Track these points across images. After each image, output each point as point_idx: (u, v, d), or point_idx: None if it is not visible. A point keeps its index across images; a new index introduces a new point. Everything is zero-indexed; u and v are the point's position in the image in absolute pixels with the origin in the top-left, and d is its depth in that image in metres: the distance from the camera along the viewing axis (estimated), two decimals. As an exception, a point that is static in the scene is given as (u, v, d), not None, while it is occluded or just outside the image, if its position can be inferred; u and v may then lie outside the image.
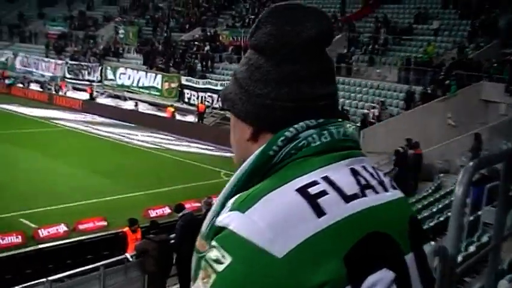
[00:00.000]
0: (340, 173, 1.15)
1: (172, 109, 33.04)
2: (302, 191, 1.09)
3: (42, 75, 44.52)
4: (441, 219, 10.67)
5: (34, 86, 43.28)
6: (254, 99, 1.22)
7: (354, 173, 1.17)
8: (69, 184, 19.64)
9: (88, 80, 40.76)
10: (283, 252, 1.03)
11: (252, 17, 40.65)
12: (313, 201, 1.08)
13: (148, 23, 47.90)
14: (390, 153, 19.99)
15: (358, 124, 25.26)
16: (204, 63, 37.58)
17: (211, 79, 34.84)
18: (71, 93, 40.96)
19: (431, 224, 10.37)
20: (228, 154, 26.33)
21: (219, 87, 33.05)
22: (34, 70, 45.76)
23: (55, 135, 29.14)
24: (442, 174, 17.84)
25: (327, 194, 1.10)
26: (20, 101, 38.90)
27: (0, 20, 60.40)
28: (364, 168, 1.20)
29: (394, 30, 31.90)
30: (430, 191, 15.39)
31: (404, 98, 25.86)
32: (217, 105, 32.92)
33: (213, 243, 1.08)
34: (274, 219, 1.05)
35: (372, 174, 1.20)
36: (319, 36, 1.21)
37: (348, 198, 1.11)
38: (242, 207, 1.08)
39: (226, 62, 37.88)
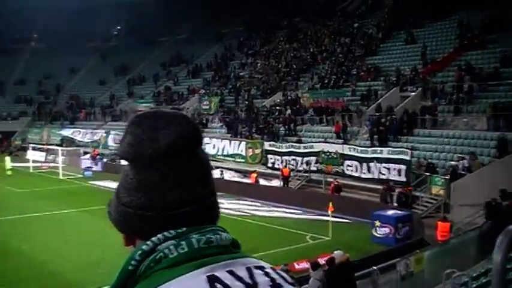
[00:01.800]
0: (192, 282, 1.13)
1: (255, 174, 33.20)
2: None
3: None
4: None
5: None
6: (121, 208, 1.26)
7: (212, 280, 1.14)
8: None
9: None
10: None
11: (333, 77, 40.80)
12: None
13: (231, 92, 49.13)
14: (483, 205, 18.90)
15: (448, 177, 24.25)
16: (286, 127, 37.76)
17: (294, 142, 34.83)
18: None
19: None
20: (313, 217, 25.94)
21: (302, 150, 32.98)
22: (125, 146, 47.68)
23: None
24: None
25: None
26: (112, 177, 40.42)
27: (94, 102, 64.06)
28: (231, 272, 1.17)
29: (479, 77, 30.81)
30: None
31: (496, 145, 24.62)
32: (301, 168, 32.76)
33: None
34: None
35: (239, 278, 1.17)
36: (178, 142, 1.22)
37: None
38: None
39: (309, 124, 37.91)
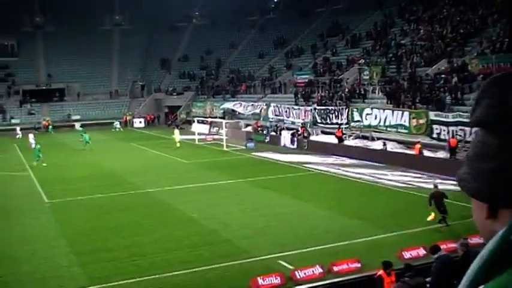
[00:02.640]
0: None
1: (419, 145, 31.91)
2: None
3: (293, 122, 46.63)
4: None
5: (285, 133, 45.47)
6: (480, 176, 1.16)
7: None
8: (321, 226, 19.78)
9: (336, 123, 41.41)
10: None
11: (506, 40, 37.76)
12: None
13: (392, 61, 47.46)
14: None
15: None
16: (452, 95, 35.69)
17: (461, 112, 32.79)
18: (320, 137, 42.13)
19: None
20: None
21: (471, 120, 30.92)
22: (285, 118, 48.19)
23: (306, 179, 29.89)
24: None
25: None
26: (273, 149, 41.24)
27: (254, 75, 65.56)
28: None
29: None
30: None
31: None
32: (470, 139, 30.80)
33: None
34: None
35: None
36: None
37: None
38: None
39: (477, 91, 35.42)
